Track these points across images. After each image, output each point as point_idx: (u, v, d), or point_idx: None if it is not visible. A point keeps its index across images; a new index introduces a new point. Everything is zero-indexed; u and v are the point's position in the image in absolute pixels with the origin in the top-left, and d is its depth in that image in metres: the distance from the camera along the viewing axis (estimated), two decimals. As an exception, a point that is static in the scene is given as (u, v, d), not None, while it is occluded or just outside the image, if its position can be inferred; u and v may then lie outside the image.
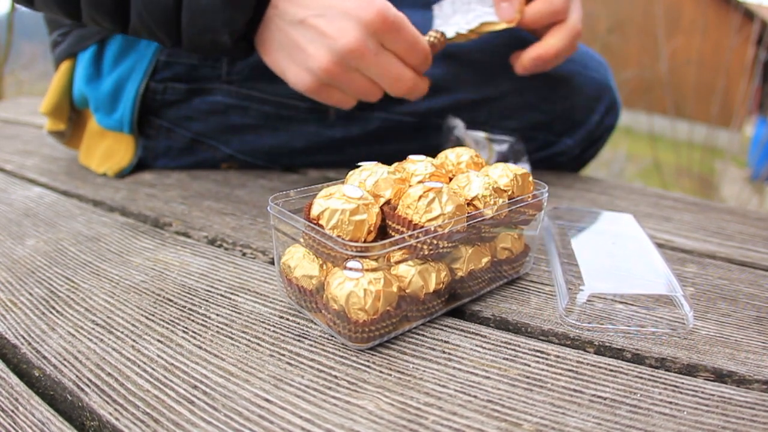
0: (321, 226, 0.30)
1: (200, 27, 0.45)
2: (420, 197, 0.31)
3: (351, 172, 0.34)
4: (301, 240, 0.32)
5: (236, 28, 0.45)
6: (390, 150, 0.61)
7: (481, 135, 0.59)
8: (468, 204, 0.33)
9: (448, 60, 0.59)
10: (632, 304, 0.36)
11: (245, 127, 0.61)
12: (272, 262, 0.42)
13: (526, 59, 0.54)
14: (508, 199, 0.35)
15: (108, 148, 0.63)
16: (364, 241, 0.30)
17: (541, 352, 0.31)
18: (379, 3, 0.43)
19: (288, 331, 0.33)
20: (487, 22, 0.53)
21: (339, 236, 0.29)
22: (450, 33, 0.54)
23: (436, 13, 0.57)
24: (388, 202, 0.33)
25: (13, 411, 0.26)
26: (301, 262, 0.32)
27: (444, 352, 0.31)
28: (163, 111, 0.61)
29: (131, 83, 0.59)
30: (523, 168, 0.37)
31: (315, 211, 0.30)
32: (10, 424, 0.25)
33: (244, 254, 0.43)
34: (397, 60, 0.46)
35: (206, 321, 0.34)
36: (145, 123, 0.61)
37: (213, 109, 0.60)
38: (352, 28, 0.43)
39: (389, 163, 0.36)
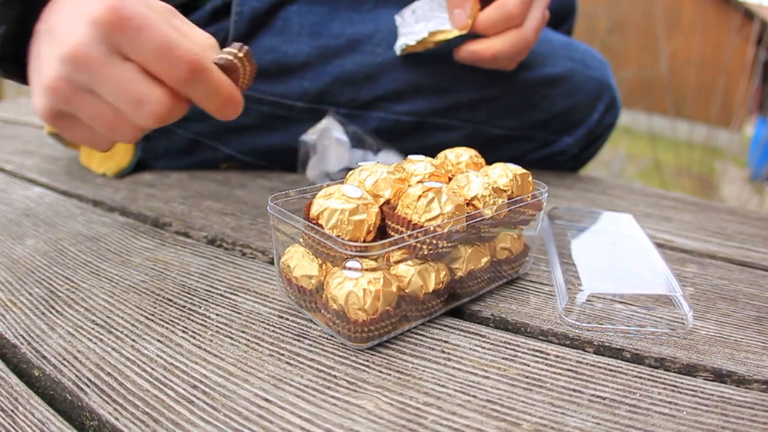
0: (320, 225, 0.30)
1: None
2: (419, 197, 0.31)
3: (350, 172, 0.34)
4: (301, 240, 0.32)
5: None
6: None
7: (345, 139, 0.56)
8: (467, 204, 0.33)
9: (446, 59, 0.59)
10: (632, 304, 0.36)
11: (244, 128, 0.61)
12: (272, 262, 0.42)
13: (464, 49, 0.53)
14: (508, 199, 0.35)
15: None
16: (364, 241, 0.30)
17: (541, 352, 0.31)
18: None
19: (287, 331, 0.33)
20: (440, 30, 0.52)
21: (338, 236, 0.29)
22: (398, 45, 0.52)
23: (398, 23, 0.56)
24: (387, 202, 0.33)
25: (12, 411, 0.26)
26: (300, 261, 0.32)
27: (443, 352, 0.31)
28: None
29: None
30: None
31: (314, 211, 0.30)
32: (9, 424, 0.25)
33: (243, 254, 0.43)
34: (140, 72, 0.33)
35: (206, 321, 0.34)
36: None
37: None
38: (79, 27, 0.32)
39: (389, 163, 0.36)
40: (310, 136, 0.55)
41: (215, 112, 0.36)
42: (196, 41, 0.35)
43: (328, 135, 0.55)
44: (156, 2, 0.35)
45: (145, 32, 0.31)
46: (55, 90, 0.33)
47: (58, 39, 0.33)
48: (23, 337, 0.32)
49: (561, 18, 0.73)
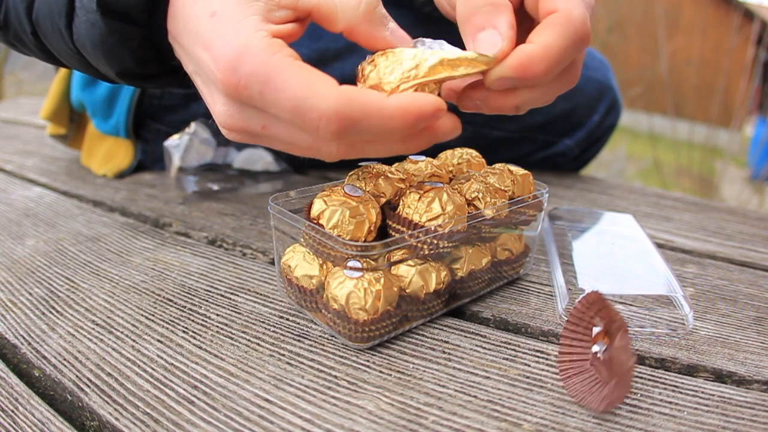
0: (321, 225, 0.30)
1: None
2: (420, 197, 0.31)
3: (351, 173, 0.34)
4: (302, 240, 0.32)
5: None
6: None
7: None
8: (468, 204, 0.33)
9: None
10: (632, 305, 0.36)
11: None
12: (272, 263, 0.42)
13: (507, 66, 0.28)
14: (509, 200, 0.35)
15: (108, 151, 0.63)
16: (365, 241, 0.30)
17: (541, 353, 0.31)
18: (231, 51, 0.25)
19: (288, 331, 0.33)
20: (458, 58, 0.27)
21: (339, 236, 0.29)
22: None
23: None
24: (388, 202, 0.33)
25: (13, 411, 0.26)
26: (301, 262, 0.32)
27: (444, 352, 0.31)
28: (161, 115, 0.61)
29: (126, 89, 0.59)
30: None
31: (315, 211, 0.30)
32: (10, 424, 0.25)
33: (244, 254, 0.43)
34: (282, 121, 0.27)
35: (206, 321, 0.34)
36: (143, 127, 0.61)
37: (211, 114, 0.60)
38: (217, 99, 0.28)
39: (390, 163, 0.36)
40: (170, 141, 0.57)
41: (404, 150, 0.27)
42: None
43: (193, 136, 0.56)
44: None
45: (268, 95, 0.25)
46: (230, 133, 0.29)
47: (208, 103, 0.29)
48: (23, 338, 0.32)
49: None
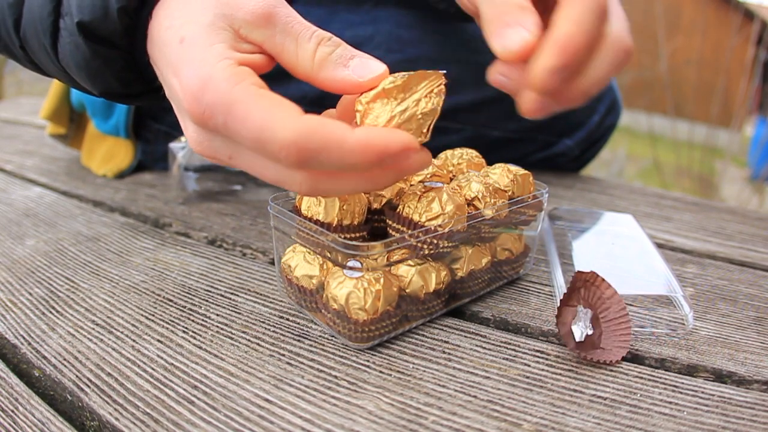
0: (303, 215, 0.31)
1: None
2: (420, 197, 0.31)
3: None
4: (293, 236, 0.32)
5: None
6: None
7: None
8: (468, 204, 0.33)
9: (446, 62, 0.59)
10: (632, 305, 0.36)
11: None
12: (272, 263, 0.42)
13: (544, 67, 0.27)
14: (509, 200, 0.35)
15: (108, 151, 0.63)
16: (347, 224, 0.31)
17: (541, 352, 0.31)
18: (196, 79, 0.25)
19: (288, 331, 0.33)
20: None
21: (311, 218, 0.30)
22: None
23: None
24: (388, 202, 0.33)
25: (13, 411, 0.26)
26: (301, 262, 0.32)
27: (444, 352, 0.31)
28: (161, 115, 0.61)
29: None
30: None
31: (298, 201, 0.32)
32: (10, 424, 0.25)
33: (244, 254, 0.43)
34: (248, 151, 0.26)
35: (206, 321, 0.34)
36: (144, 127, 0.61)
37: None
38: (188, 125, 0.28)
39: None
40: (175, 143, 0.56)
41: (370, 186, 0.27)
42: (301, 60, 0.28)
43: None
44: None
45: (231, 125, 0.25)
46: (202, 153, 0.29)
47: (179, 118, 0.29)
48: (23, 338, 0.32)
49: None
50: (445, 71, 0.27)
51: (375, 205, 0.33)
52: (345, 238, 0.30)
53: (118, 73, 0.33)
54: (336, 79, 0.27)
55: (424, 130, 0.26)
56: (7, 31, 0.35)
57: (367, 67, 0.27)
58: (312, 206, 0.31)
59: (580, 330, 0.30)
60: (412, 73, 0.26)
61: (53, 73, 0.36)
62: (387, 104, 0.26)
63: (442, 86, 0.26)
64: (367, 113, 0.26)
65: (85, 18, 0.30)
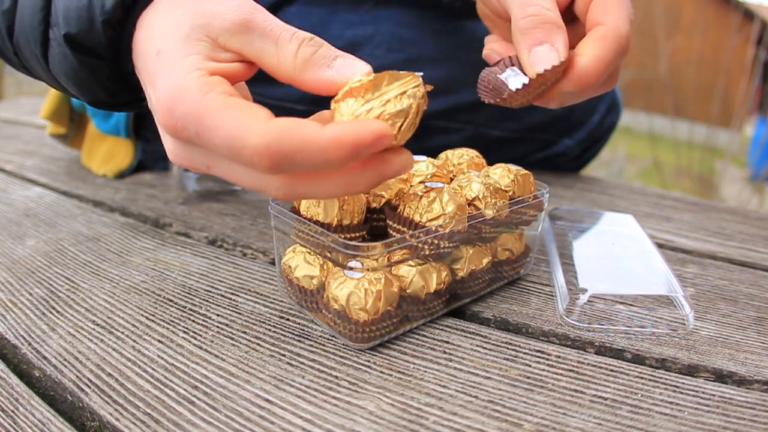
0: (301, 214, 0.31)
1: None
2: (421, 197, 0.31)
3: None
4: (293, 236, 0.32)
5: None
6: None
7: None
8: (469, 204, 0.33)
9: (447, 61, 0.59)
10: (632, 305, 0.36)
11: None
12: (273, 263, 0.42)
13: (568, 81, 0.31)
14: (509, 200, 0.35)
15: (108, 151, 0.63)
16: (344, 224, 0.31)
17: (542, 353, 0.31)
18: (168, 92, 0.25)
19: (288, 332, 0.33)
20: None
21: (311, 219, 0.31)
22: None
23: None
24: (388, 202, 0.33)
25: (13, 411, 0.26)
26: (301, 262, 0.32)
27: (445, 353, 0.31)
28: None
29: None
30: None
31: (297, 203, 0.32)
32: (10, 425, 0.25)
33: (244, 255, 0.43)
34: (223, 160, 0.26)
35: (207, 321, 0.34)
36: (144, 127, 0.61)
37: None
38: (165, 136, 0.28)
39: None
40: None
41: (351, 189, 0.26)
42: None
43: None
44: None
45: (204, 135, 0.25)
46: (181, 164, 0.29)
47: (159, 129, 0.29)
48: (24, 338, 0.32)
49: None
50: (422, 73, 0.26)
51: (374, 205, 0.33)
52: (345, 237, 0.30)
53: (104, 83, 0.33)
54: (320, 80, 0.27)
55: (395, 132, 0.26)
56: (2, 37, 0.35)
57: (351, 67, 0.27)
58: (311, 207, 0.31)
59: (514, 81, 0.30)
60: (381, 73, 0.26)
61: (46, 80, 0.36)
62: (353, 103, 0.25)
63: (420, 89, 0.25)
64: (335, 112, 0.26)
65: (71, 30, 0.30)
